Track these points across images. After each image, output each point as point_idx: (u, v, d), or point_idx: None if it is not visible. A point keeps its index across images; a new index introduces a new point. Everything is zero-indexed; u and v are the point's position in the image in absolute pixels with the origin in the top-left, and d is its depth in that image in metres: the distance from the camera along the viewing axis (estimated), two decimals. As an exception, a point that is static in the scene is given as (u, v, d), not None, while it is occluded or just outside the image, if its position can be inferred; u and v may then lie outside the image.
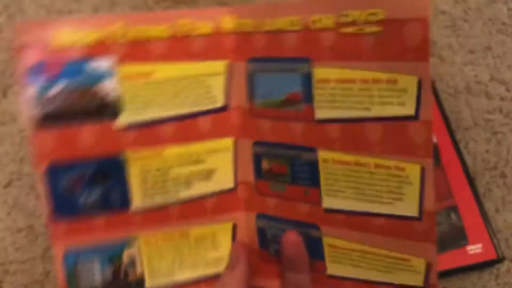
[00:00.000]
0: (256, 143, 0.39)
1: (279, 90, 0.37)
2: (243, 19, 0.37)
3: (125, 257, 0.39)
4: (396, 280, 0.36)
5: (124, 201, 0.38)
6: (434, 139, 0.46)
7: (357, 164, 0.35)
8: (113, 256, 0.39)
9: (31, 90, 0.35)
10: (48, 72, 0.35)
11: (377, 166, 0.34)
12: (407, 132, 0.33)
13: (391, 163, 0.34)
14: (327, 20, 0.34)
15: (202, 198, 0.40)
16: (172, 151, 0.38)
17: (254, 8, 0.37)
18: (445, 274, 0.46)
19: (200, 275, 0.41)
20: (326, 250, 0.38)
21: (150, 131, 0.38)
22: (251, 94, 0.38)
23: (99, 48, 0.35)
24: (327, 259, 0.38)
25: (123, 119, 0.37)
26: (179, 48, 0.37)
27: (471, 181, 0.48)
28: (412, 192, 0.33)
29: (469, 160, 0.49)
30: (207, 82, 0.38)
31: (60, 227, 0.37)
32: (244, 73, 0.38)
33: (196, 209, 0.40)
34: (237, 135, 0.40)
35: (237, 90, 0.39)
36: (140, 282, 0.40)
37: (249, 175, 0.40)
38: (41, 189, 0.36)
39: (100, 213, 0.38)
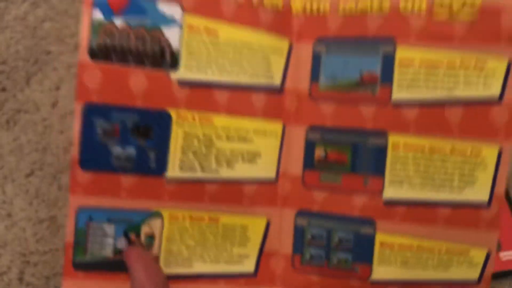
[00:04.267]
0: (312, 129, 0.36)
1: (353, 71, 0.35)
2: (316, 1, 0.36)
3: (145, 229, 0.34)
4: (450, 276, 0.34)
5: (161, 165, 0.34)
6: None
7: (431, 149, 0.34)
8: (132, 225, 0.34)
9: (93, 17, 0.32)
10: (114, 3, 0.32)
11: (452, 150, 0.34)
12: (489, 114, 0.33)
13: (467, 146, 0.34)
14: (420, 3, 0.34)
15: (241, 182, 0.36)
16: (222, 121, 0.35)
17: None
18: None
19: (220, 272, 0.36)
20: (377, 250, 0.35)
21: (204, 93, 0.35)
22: (316, 76, 0.36)
23: None
24: (375, 260, 0.35)
25: (180, 73, 0.34)
26: (248, 13, 0.35)
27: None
28: (485, 175, 0.34)
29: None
30: (269, 57, 0.36)
31: (83, 177, 0.33)
32: (309, 54, 0.36)
33: (233, 193, 0.36)
34: (288, 121, 0.37)
35: (297, 73, 0.37)
36: (153, 265, 0.35)
37: (295, 166, 0.37)
38: (75, 128, 0.32)
39: (130, 173, 0.34)
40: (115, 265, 0.34)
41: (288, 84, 0.37)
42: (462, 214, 0.34)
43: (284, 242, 0.37)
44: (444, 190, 0.34)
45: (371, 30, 0.35)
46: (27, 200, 0.43)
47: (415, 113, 0.34)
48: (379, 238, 0.35)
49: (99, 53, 0.33)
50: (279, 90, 0.36)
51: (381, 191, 0.35)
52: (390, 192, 0.35)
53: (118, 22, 0.33)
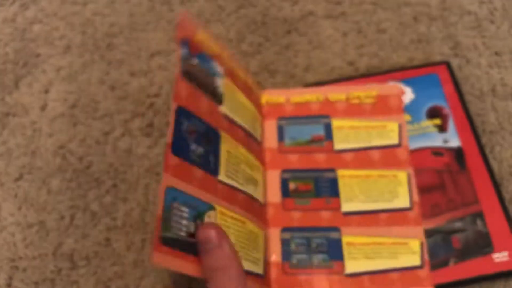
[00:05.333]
0: (284, 171, 0.52)
1: (305, 134, 0.54)
2: (274, 96, 0.56)
3: (207, 217, 0.40)
4: (401, 264, 0.48)
5: (216, 168, 0.43)
6: (459, 143, 0.49)
7: (366, 176, 0.52)
8: (199, 212, 0.39)
9: (181, 52, 0.43)
10: (191, 48, 0.44)
11: (379, 176, 0.52)
12: (395, 154, 0.53)
13: (388, 173, 0.52)
14: (340, 96, 0.56)
15: (252, 198, 0.47)
16: (243, 150, 0.48)
17: (287, 91, 0.56)
18: (470, 282, 0.45)
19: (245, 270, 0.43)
20: (345, 249, 0.48)
21: (233, 127, 0.47)
22: (281, 138, 0.54)
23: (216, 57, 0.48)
24: (345, 257, 0.48)
25: (223, 109, 0.46)
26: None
27: (497, 187, 0.47)
28: (403, 190, 0.52)
29: (494, 165, 0.47)
30: (255, 125, 0.53)
31: (172, 160, 0.39)
32: (275, 126, 0.54)
33: (251, 205, 0.47)
34: (267, 167, 0.52)
35: (268, 137, 0.54)
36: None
37: (276, 196, 0.50)
38: (171, 120, 0.39)
39: (200, 167, 0.41)
40: (188, 247, 0.37)
41: (265, 144, 0.53)
42: (395, 216, 0.50)
43: (274, 253, 0.48)
44: (380, 201, 0.50)
45: (313, 111, 0.55)
46: (16, 205, 0.41)
47: (351, 156, 0.53)
48: (345, 239, 0.49)
49: (185, 75, 0.42)
50: (260, 145, 0.52)
51: (339, 207, 0.50)
52: (346, 206, 0.50)
53: (194, 60, 0.44)
